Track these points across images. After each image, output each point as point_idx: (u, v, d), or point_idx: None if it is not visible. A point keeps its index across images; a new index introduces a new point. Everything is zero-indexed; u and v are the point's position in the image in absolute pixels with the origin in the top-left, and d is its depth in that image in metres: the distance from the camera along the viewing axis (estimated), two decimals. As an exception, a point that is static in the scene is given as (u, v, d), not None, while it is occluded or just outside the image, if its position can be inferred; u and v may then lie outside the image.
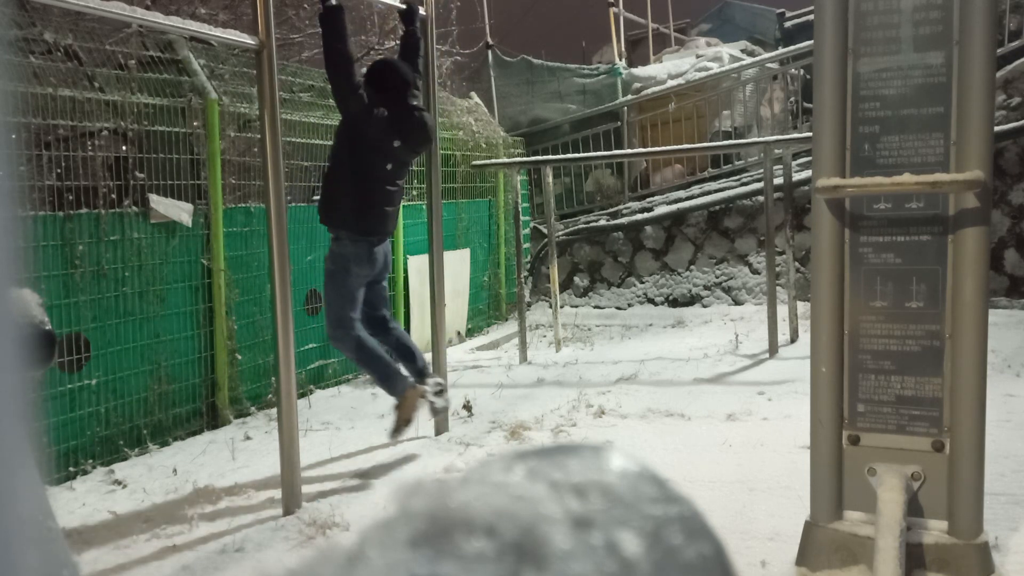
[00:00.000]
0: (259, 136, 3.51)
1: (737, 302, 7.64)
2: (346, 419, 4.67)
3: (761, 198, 7.21)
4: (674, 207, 7.98)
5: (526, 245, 7.92)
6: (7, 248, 0.36)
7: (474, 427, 4.36)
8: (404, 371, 3.95)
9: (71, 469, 3.83)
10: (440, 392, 4.02)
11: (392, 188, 3.89)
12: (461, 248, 7.10)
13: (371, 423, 4.56)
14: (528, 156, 8.35)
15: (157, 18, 3.18)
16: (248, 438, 4.35)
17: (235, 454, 4.09)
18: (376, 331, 4.00)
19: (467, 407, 4.64)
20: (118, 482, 3.75)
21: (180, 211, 4.41)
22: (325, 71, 3.84)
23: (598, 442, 0.43)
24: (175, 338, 4.43)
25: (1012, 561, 2.58)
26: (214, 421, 4.62)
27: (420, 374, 3.98)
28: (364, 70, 3.97)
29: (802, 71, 8.86)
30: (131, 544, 3.08)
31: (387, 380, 3.87)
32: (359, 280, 3.84)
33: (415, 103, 3.93)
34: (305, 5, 8.16)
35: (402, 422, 3.87)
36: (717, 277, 7.73)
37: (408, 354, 4.03)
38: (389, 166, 3.82)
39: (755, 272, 7.59)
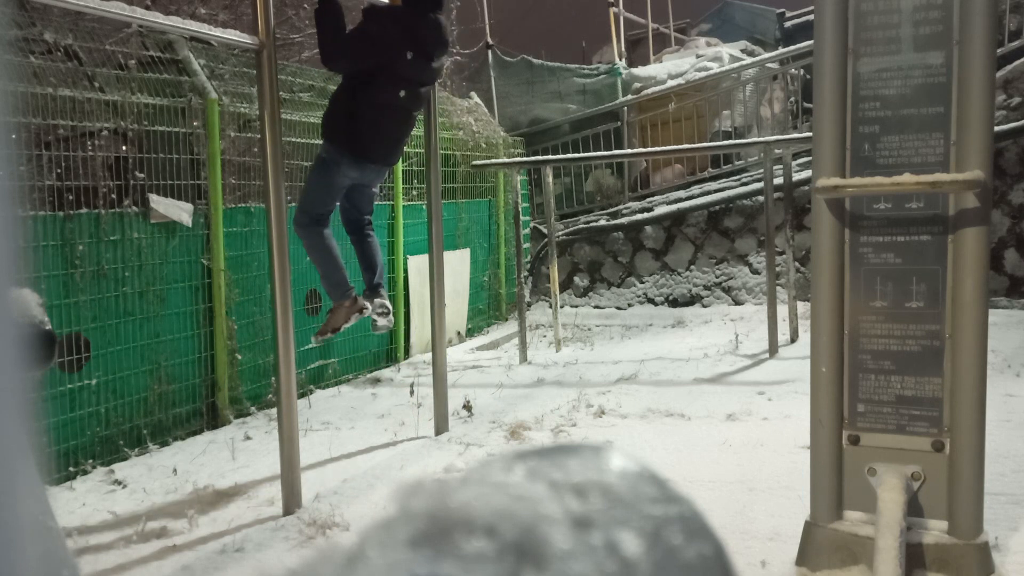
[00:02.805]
0: (259, 136, 3.51)
1: (737, 302, 7.64)
2: (346, 419, 4.67)
3: (761, 198, 7.21)
4: (674, 207, 7.98)
5: (526, 245, 7.92)
6: (7, 248, 0.36)
7: (474, 427, 4.36)
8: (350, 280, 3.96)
9: (71, 469, 3.83)
10: (384, 313, 4.01)
11: (403, 118, 3.78)
12: (461, 248, 7.10)
13: (371, 423, 4.56)
14: (528, 156, 8.35)
15: (157, 18, 3.18)
16: (248, 438, 4.35)
17: (235, 454, 4.09)
18: (353, 231, 3.99)
19: (467, 407, 4.64)
20: (118, 482, 3.75)
21: (180, 211, 4.41)
22: (325, 64, 3.78)
23: (598, 442, 0.43)
24: (175, 338, 4.43)
25: (1012, 561, 2.58)
26: (214, 421, 4.62)
27: (373, 289, 3.98)
28: None
29: (802, 71, 8.86)
30: (131, 544, 3.08)
31: (332, 283, 3.87)
32: (344, 180, 3.78)
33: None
34: (305, 5, 8.16)
35: (328, 329, 3.88)
36: (717, 277, 7.73)
37: (370, 265, 4.02)
38: (402, 93, 3.70)
39: (755, 272, 7.59)
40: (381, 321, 4.02)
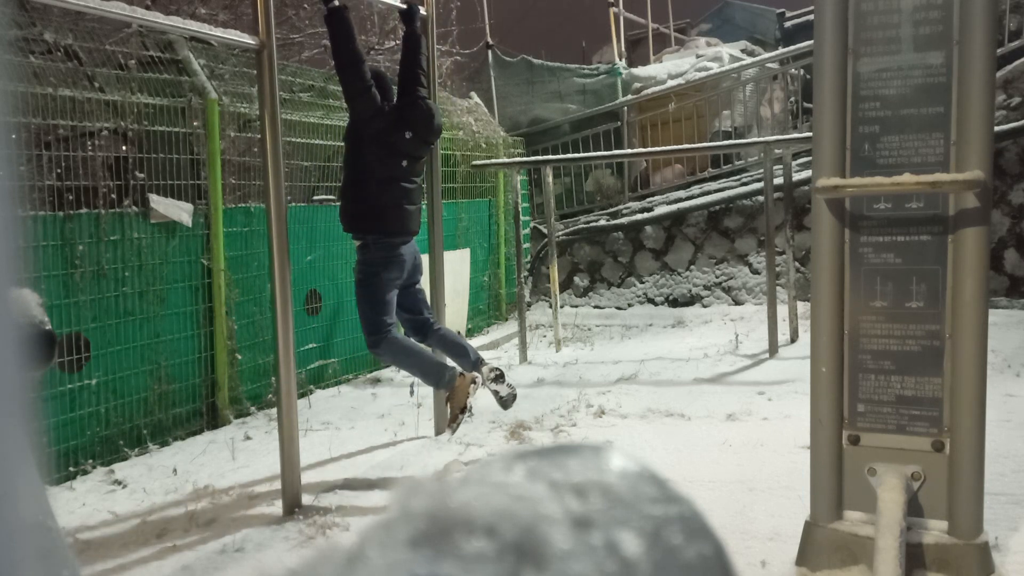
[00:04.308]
0: (259, 136, 3.51)
1: (737, 302, 7.64)
2: (346, 419, 4.67)
3: (761, 198, 7.21)
4: (674, 207, 7.98)
5: (526, 245, 7.91)
6: (7, 248, 0.36)
7: (474, 427, 4.36)
8: (451, 362, 3.93)
9: (71, 469, 3.83)
10: (498, 378, 3.94)
11: (410, 185, 3.86)
12: (461, 248, 7.09)
13: (371, 423, 4.56)
14: (528, 156, 8.35)
15: (157, 18, 3.18)
16: (248, 438, 4.35)
17: (235, 454, 4.09)
18: (422, 335, 3.98)
19: (467, 407, 4.63)
20: (118, 482, 3.75)
21: (180, 211, 4.41)
22: (336, 72, 3.83)
23: (598, 442, 0.43)
24: (175, 338, 4.43)
25: (1012, 561, 2.58)
26: (214, 421, 4.62)
27: (475, 365, 3.94)
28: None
29: (802, 71, 8.86)
30: (131, 544, 3.08)
31: (433, 375, 3.85)
32: (390, 285, 3.82)
33: (421, 94, 3.91)
34: (305, 5, 8.17)
35: (456, 412, 3.83)
36: (717, 277, 7.73)
37: (459, 351, 3.98)
38: (404, 163, 3.81)
39: (755, 272, 7.59)
40: (504, 390, 3.95)
